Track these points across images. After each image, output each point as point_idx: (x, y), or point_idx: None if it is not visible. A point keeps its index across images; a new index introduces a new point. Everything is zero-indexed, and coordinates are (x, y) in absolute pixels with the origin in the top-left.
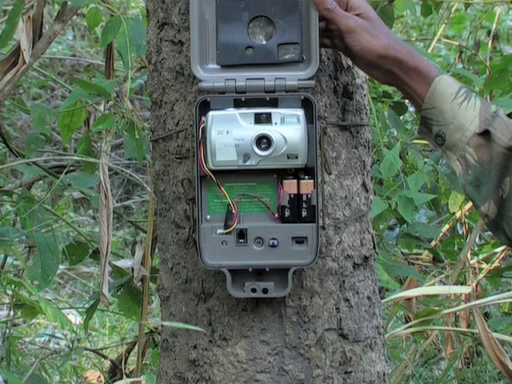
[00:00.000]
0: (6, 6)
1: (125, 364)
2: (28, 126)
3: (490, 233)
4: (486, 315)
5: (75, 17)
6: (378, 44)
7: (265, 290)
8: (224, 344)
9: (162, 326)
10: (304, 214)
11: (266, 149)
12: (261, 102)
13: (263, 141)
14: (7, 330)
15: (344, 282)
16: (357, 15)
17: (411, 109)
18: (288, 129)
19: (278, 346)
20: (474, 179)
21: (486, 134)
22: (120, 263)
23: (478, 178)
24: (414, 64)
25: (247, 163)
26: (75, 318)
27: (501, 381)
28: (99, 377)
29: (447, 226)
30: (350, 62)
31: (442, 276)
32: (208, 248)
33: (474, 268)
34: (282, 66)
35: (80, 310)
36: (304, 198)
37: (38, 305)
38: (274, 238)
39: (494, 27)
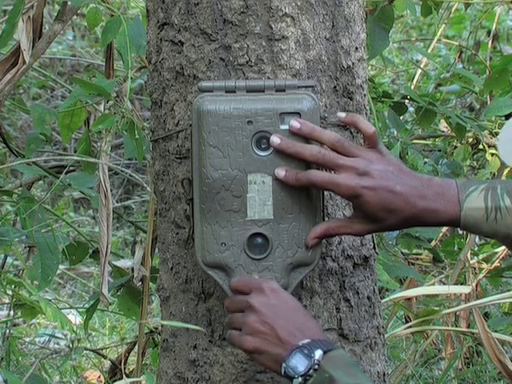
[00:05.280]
0: (5, 6)
1: (125, 364)
2: (28, 125)
3: None
4: (486, 315)
5: (75, 17)
6: (403, 214)
7: None
8: (224, 344)
9: (161, 325)
10: None
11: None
12: None
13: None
14: (7, 330)
15: (344, 281)
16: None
17: (411, 109)
18: None
19: None
20: None
21: None
22: (120, 263)
23: None
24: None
25: None
26: (75, 318)
27: (501, 381)
28: (99, 377)
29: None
30: (350, 62)
31: (442, 276)
32: None
33: (474, 268)
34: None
35: (80, 310)
36: None
37: (38, 305)
38: None
39: (494, 27)
